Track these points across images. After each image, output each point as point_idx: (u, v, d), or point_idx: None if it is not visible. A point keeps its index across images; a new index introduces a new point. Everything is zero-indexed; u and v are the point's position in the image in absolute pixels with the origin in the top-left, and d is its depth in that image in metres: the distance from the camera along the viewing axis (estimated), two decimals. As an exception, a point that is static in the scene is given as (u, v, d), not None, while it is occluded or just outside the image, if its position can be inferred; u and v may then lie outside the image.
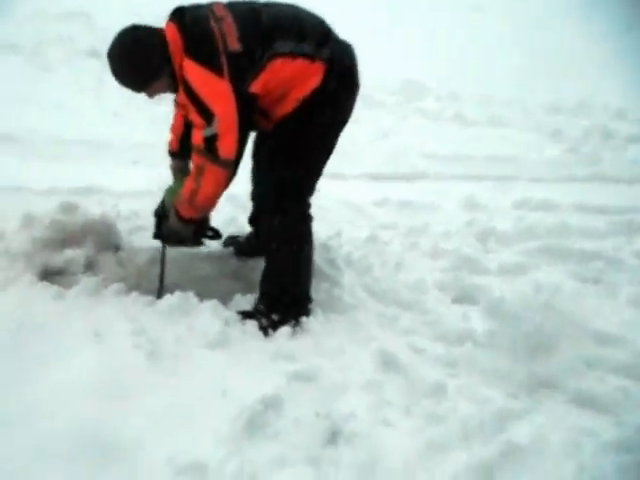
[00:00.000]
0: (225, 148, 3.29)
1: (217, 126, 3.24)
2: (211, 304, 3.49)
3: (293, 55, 3.34)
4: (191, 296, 3.54)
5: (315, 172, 3.66)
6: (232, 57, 3.24)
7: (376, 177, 6.70)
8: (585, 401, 3.33)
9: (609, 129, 8.96)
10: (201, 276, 3.91)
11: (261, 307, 3.60)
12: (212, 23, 3.29)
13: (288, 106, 3.43)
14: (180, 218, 3.58)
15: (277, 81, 3.36)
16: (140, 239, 4.26)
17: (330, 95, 3.42)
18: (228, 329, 3.38)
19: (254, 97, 3.35)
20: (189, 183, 3.44)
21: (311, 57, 3.37)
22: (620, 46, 10.65)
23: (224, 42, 3.25)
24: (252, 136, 3.72)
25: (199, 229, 3.79)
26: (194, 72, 3.26)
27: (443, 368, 3.47)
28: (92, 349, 3.12)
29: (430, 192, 6.36)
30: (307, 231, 3.67)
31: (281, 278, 3.63)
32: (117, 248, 4.15)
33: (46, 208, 4.13)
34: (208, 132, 3.26)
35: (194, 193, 3.41)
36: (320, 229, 4.51)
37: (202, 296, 3.58)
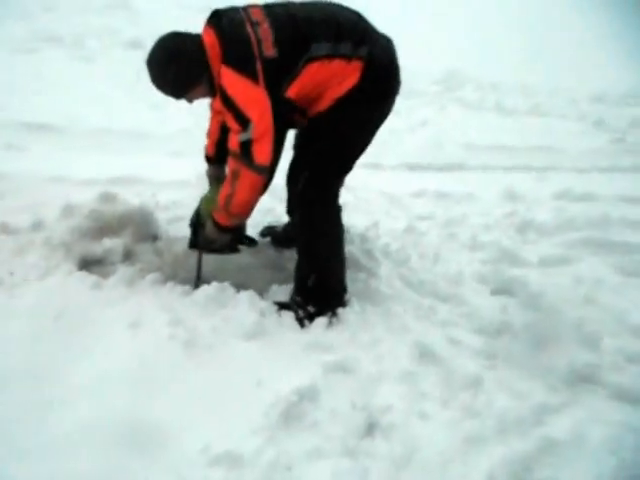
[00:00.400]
0: (260, 153, 3.28)
1: (253, 131, 3.23)
2: (247, 295, 3.49)
3: (330, 57, 3.32)
4: (227, 287, 3.54)
5: (345, 167, 3.64)
6: (268, 63, 3.23)
7: (414, 167, 6.68)
8: (626, 396, 3.28)
9: (655, 119, 8.85)
10: (238, 266, 3.91)
11: (297, 298, 3.59)
12: (248, 28, 3.28)
13: (324, 104, 3.40)
14: (217, 226, 3.57)
15: (314, 84, 3.35)
16: (178, 229, 4.26)
17: (367, 93, 3.39)
18: (264, 320, 3.37)
19: (290, 102, 3.35)
20: (225, 189, 3.44)
21: (348, 57, 3.33)
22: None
23: (260, 48, 3.24)
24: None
25: (235, 237, 3.78)
26: (230, 79, 3.26)
27: (480, 360, 3.43)
28: (129, 339, 3.14)
29: (469, 183, 6.34)
30: (337, 222, 3.65)
31: (315, 270, 3.61)
32: (155, 238, 4.17)
33: (86, 198, 4.18)
34: (244, 137, 3.26)
35: (229, 198, 3.41)
36: (357, 220, 4.52)
37: (239, 287, 3.58)
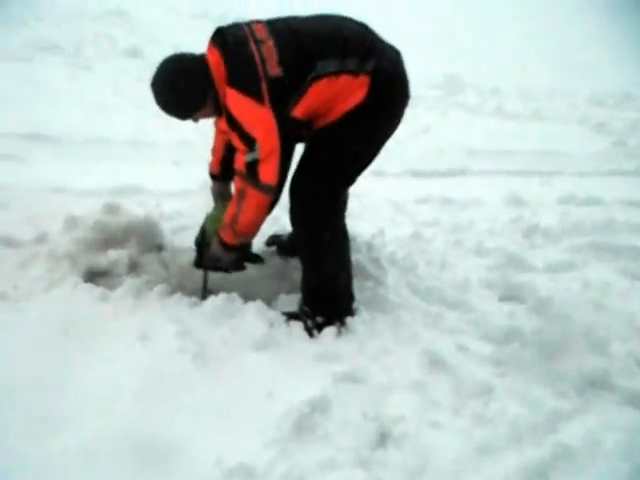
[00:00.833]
0: (266, 173, 3.28)
1: (259, 152, 3.23)
2: (255, 305, 3.47)
3: (336, 74, 3.29)
4: (235, 297, 3.52)
5: (350, 179, 3.62)
6: (273, 82, 3.22)
7: (418, 174, 6.67)
8: (638, 401, 3.26)
9: (656, 121, 8.85)
10: (244, 277, 3.88)
11: (305, 308, 3.57)
12: (252, 47, 3.26)
13: (331, 118, 3.39)
14: (223, 244, 3.56)
15: (321, 102, 3.33)
16: (183, 239, 4.26)
17: (374, 108, 3.37)
18: (273, 330, 3.35)
19: (296, 121, 3.33)
20: (231, 208, 3.44)
21: (355, 72, 3.31)
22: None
23: (264, 67, 3.22)
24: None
25: (241, 255, 3.76)
26: (235, 100, 3.25)
27: (490, 368, 3.41)
28: (138, 351, 3.11)
29: (473, 188, 6.33)
30: (342, 232, 3.63)
31: (321, 280, 3.59)
32: (160, 248, 4.15)
33: (89, 209, 4.16)
34: (250, 157, 3.26)
35: (235, 217, 3.41)
36: (363, 228, 4.50)
37: (246, 297, 3.57)
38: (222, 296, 3.49)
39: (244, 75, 3.25)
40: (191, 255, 3.89)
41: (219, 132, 3.85)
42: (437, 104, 8.93)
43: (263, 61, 3.23)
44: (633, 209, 5.95)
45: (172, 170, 5.96)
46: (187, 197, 5.04)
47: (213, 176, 4.00)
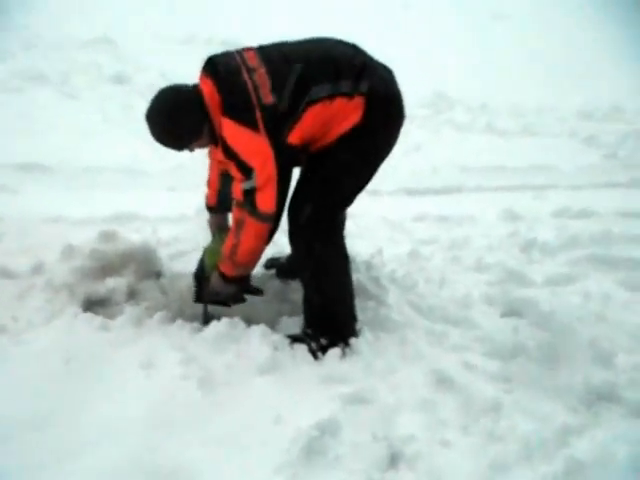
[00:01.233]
0: (264, 201, 3.28)
1: (256, 180, 3.24)
2: (259, 329, 3.44)
3: (331, 97, 3.30)
4: (238, 322, 3.49)
5: (347, 200, 3.61)
6: (267, 110, 3.22)
7: (412, 192, 6.68)
8: (647, 413, 3.24)
9: (645, 132, 8.88)
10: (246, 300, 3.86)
11: (308, 331, 3.55)
12: (245, 75, 3.27)
13: (327, 140, 3.39)
14: (222, 277, 3.54)
15: (316, 126, 3.33)
16: (181, 264, 4.24)
17: (370, 129, 3.37)
18: (278, 354, 3.32)
19: (293, 147, 3.33)
20: (230, 239, 3.44)
21: (349, 95, 3.31)
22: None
23: (257, 95, 3.23)
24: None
25: (240, 288, 3.71)
26: (231, 130, 3.26)
27: (498, 384, 3.39)
28: (142, 380, 3.09)
29: (468, 205, 6.34)
30: (341, 253, 3.60)
31: (323, 302, 3.56)
32: (158, 275, 4.13)
33: (85, 237, 4.15)
34: (247, 185, 3.27)
35: (234, 248, 3.40)
36: (361, 247, 4.48)
37: (248, 321, 3.54)
38: (225, 321, 3.47)
39: (238, 104, 3.26)
40: (190, 280, 3.86)
41: (214, 163, 3.84)
42: (428, 122, 8.94)
43: (256, 89, 3.23)
44: (628, 220, 5.94)
45: (167, 196, 5.95)
46: (183, 222, 5.03)
47: (210, 208, 3.99)
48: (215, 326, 3.45)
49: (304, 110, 3.27)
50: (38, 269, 4.03)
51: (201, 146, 3.56)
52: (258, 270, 4.14)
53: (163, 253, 4.32)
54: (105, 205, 5.35)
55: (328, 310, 3.55)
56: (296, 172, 3.54)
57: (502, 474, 2.76)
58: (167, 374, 3.11)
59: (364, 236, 5.12)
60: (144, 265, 4.09)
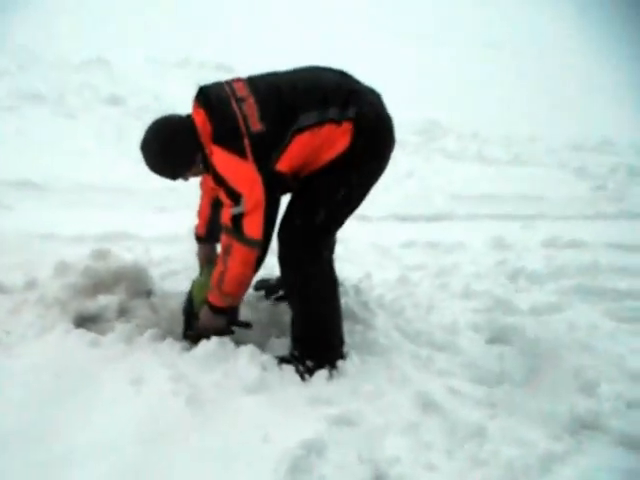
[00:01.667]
0: (251, 227, 3.32)
1: (244, 205, 3.29)
2: (247, 349, 3.46)
3: (319, 124, 3.35)
4: (227, 341, 3.51)
5: (336, 224, 3.64)
6: (255, 138, 3.28)
7: (402, 218, 6.73)
8: (629, 442, 3.29)
9: (634, 165, 8.98)
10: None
11: (295, 353, 3.58)
12: (234, 105, 3.33)
13: (316, 166, 3.44)
14: (211, 308, 3.55)
15: (305, 154, 3.38)
16: (172, 284, 4.28)
17: (359, 154, 3.41)
18: (266, 374, 3.35)
19: (281, 175, 3.38)
20: (217, 266, 3.47)
21: (337, 121, 3.36)
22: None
23: (246, 124, 3.29)
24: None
25: (230, 319, 3.69)
26: (220, 157, 3.32)
27: (482, 410, 3.42)
28: (132, 395, 3.09)
29: (457, 232, 6.39)
30: (329, 277, 3.63)
31: (310, 325, 3.60)
32: (149, 293, 4.15)
33: (78, 255, 4.16)
34: (235, 211, 3.31)
35: (222, 275, 3.43)
36: (350, 271, 4.53)
37: (238, 341, 3.56)
38: (214, 340, 3.48)
39: (227, 133, 3.32)
40: (180, 300, 3.88)
41: (205, 192, 3.91)
42: (419, 149, 9.03)
43: (245, 118, 3.30)
44: (616, 251, 6.03)
45: (158, 216, 5.99)
46: (175, 243, 5.05)
47: (199, 238, 4.04)
48: (204, 345, 3.47)
49: (292, 138, 3.33)
50: (31, 284, 4.05)
51: (195, 175, 3.63)
52: (248, 291, 4.19)
53: (154, 272, 4.34)
54: (98, 223, 5.38)
55: (315, 333, 3.58)
56: (285, 198, 3.59)
57: (486, 498, 2.80)
58: (156, 390, 3.12)
59: (353, 261, 5.17)
60: (135, 283, 4.11)
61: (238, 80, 3.50)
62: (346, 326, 3.73)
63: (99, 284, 3.99)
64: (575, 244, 6.19)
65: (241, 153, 3.27)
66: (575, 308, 4.87)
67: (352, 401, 3.27)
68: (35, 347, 3.42)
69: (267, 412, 3.10)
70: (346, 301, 4.00)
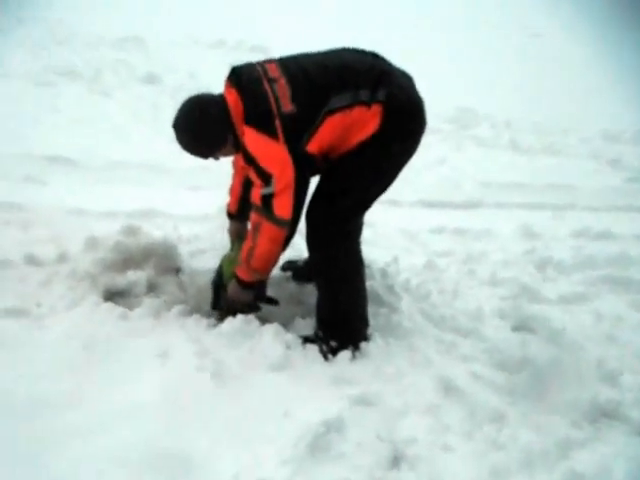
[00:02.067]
0: (281, 207, 3.34)
1: (275, 186, 3.30)
2: (272, 327, 3.52)
3: (350, 106, 3.35)
4: (252, 319, 3.57)
5: (365, 206, 3.66)
6: (286, 119, 3.29)
7: (432, 204, 6.70)
8: (649, 432, 3.29)
9: (671, 158, 8.88)
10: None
11: (320, 333, 3.62)
12: (266, 85, 3.35)
13: (346, 148, 3.44)
14: (239, 282, 3.59)
15: (335, 135, 3.39)
16: (200, 262, 4.31)
17: (388, 137, 3.41)
18: (290, 352, 3.40)
19: (312, 156, 3.39)
20: (247, 242, 3.51)
21: (367, 103, 3.36)
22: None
23: (278, 105, 3.30)
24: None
25: (257, 296, 3.74)
26: (251, 137, 3.34)
27: (503, 395, 3.44)
28: (158, 369, 3.17)
29: (486, 220, 6.36)
30: (357, 258, 3.67)
31: (336, 306, 3.63)
32: (178, 271, 4.20)
33: (108, 230, 4.23)
34: (266, 191, 3.33)
35: (251, 251, 3.46)
36: (378, 255, 4.54)
37: (263, 320, 3.62)
38: (240, 318, 3.54)
39: (259, 113, 3.33)
40: (208, 278, 3.93)
41: (237, 171, 3.94)
42: (451, 137, 8.98)
43: (276, 99, 3.31)
44: (646, 245, 5.98)
45: (189, 194, 6.02)
46: (204, 221, 5.09)
47: (231, 215, 4.08)
48: (230, 322, 3.53)
49: (323, 119, 3.34)
50: (63, 258, 4.13)
51: (226, 154, 3.65)
52: (275, 272, 4.23)
53: (183, 250, 4.38)
54: (129, 200, 5.45)
55: (340, 314, 3.62)
56: (314, 180, 3.62)
57: (501, 480, 2.82)
58: (182, 364, 3.19)
59: (381, 245, 5.17)
60: (164, 260, 4.17)
61: (270, 61, 3.52)
62: (371, 309, 3.76)
63: (129, 260, 4.04)
64: (605, 235, 6.12)
65: (272, 134, 3.28)
66: (602, 299, 4.85)
67: (373, 382, 3.31)
68: (65, 319, 3.50)
69: (290, 389, 3.16)
70: (372, 284, 4.03)
